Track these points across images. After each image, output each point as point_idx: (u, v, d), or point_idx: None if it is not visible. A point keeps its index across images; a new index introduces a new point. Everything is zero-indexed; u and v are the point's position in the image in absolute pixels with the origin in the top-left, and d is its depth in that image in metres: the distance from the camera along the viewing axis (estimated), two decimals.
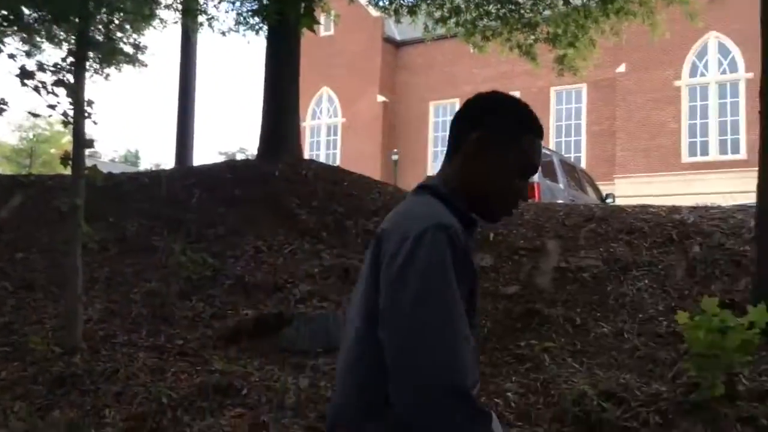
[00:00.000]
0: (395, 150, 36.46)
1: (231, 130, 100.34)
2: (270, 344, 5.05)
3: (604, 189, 15.72)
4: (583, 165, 32.96)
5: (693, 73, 33.81)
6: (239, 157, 37.49)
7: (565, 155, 22.60)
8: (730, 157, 29.75)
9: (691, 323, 3.87)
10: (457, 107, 1.64)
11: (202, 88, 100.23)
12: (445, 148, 1.69)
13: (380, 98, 38.63)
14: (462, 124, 1.63)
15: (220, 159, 21.12)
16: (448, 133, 1.70)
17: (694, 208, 6.57)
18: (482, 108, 1.63)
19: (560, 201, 9.50)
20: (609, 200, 12.07)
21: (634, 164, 33.40)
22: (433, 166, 36.69)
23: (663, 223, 6.10)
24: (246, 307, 5.58)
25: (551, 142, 35.02)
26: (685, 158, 31.97)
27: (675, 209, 6.55)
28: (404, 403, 1.35)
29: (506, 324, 4.99)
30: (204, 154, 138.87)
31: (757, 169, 4.91)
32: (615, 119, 34.55)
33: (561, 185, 11.45)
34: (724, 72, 33.44)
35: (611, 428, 3.69)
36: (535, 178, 10.39)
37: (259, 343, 5.09)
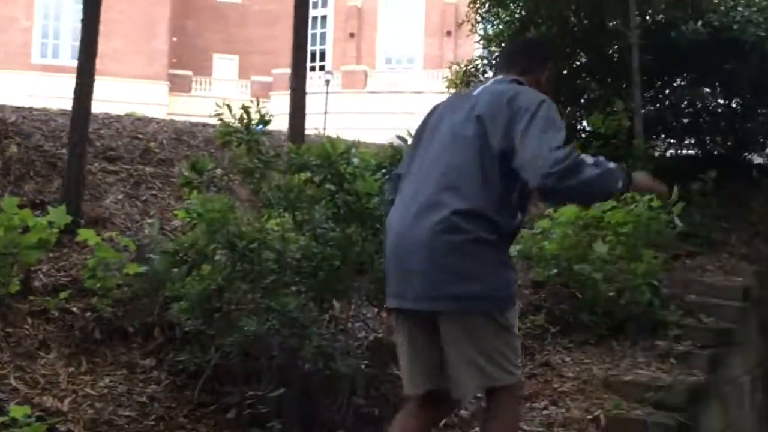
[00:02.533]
0: None
1: None
2: None
3: None
4: None
5: None
6: None
7: None
8: None
9: None
10: None
11: None
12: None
13: None
14: (535, 57, 2.76)
15: None
16: (513, 53, 2.88)
17: (18, 109, 6.39)
18: (547, 52, 2.98)
19: None
20: None
21: None
22: None
23: None
24: None
25: None
26: (36, 59, 30.93)
27: None
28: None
29: None
30: None
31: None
32: None
33: None
34: None
35: None
36: None
37: None
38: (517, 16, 8.08)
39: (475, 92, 2.57)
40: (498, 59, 3.23)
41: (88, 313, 3.88)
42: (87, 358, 3.65)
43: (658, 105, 7.80)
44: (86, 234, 4.05)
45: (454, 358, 2.36)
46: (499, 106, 2.38)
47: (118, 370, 3.64)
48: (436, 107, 2.73)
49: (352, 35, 36.87)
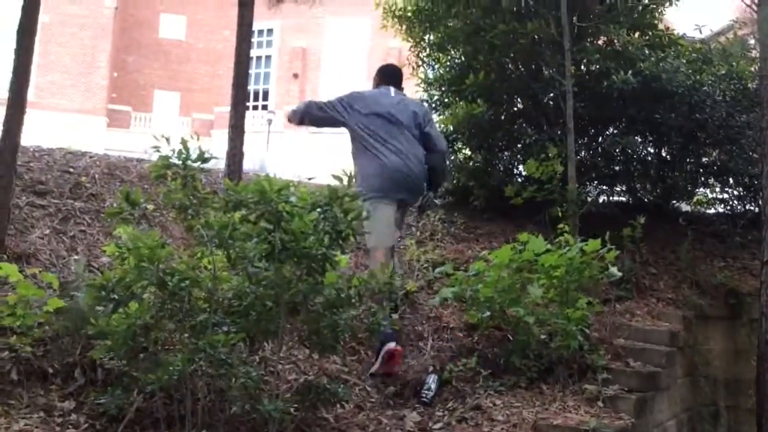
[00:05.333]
0: None
1: None
2: None
3: None
4: None
5: None
6: None
7: None
8: None
9: None
10: None
11: None
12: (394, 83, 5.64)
13: None
14: (401, 78, 5.78)
15: None
16: (399, 76, 5.77)
17: None
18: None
19: None
20: None
21: None
22: None
23: None
24: None
25: None
26: None
27: None
28: (443, 148, 5.55)
29: None
30: None
31: None
32: None
33: None
34: None
35: None
36: None
37: None
38: (456, 61, 8.24)
39: (398, 98, 5.48)
40: (387, 76, 5.70)
41: (6, 353, 3.71)
42: (1, 400, 3.48)
43: (591, 152, 8.01)
44: (8, 270, 3.90)
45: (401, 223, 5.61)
46: (423, 112, 5.56)
47: (35, 413, 3.47)
48: (377, 96, 5.50)
49: (295, 75, 37.04)
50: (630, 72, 7.11)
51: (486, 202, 7.63)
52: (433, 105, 8.29)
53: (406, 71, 8.71)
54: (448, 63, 8.31)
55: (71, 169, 6.19)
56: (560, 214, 6.28)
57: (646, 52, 7.45)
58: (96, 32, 34.01)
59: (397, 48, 31.88)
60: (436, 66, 8.53)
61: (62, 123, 29.39)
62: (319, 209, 3.87)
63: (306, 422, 3.84)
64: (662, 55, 7.45)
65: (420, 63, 8.56)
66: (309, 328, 3.91)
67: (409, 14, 8.20)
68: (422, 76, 8.55)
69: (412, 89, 8.87)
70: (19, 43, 4.97)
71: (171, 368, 3.33)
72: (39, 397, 3.59)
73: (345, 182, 3.88)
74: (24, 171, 5.74)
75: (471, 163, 8.15)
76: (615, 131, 8.01)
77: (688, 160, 8.36)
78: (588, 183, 8.03)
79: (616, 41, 7.62)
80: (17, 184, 5.21)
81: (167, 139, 3.90)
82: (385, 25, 8.51)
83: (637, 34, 7.75)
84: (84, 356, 3.76)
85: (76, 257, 4.81)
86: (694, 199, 8.83)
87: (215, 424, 3.47)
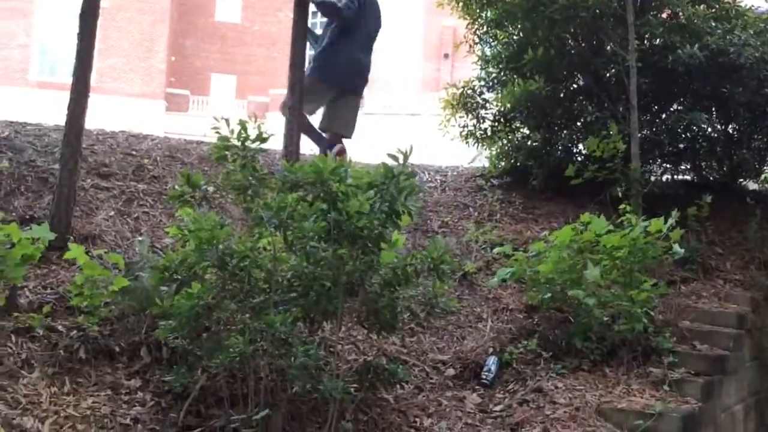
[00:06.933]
0: None
1: None
2: None
3: None
4: None
5: None
6: None
7: None
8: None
9: None
10: None
11: None
12: None
13: None
14: None
15: None
16: None
17: (11, 123, 6.35)
18: None
19: None
20: None
21: None
22: None
23: None
24: None
25: None
26: (34, 75, 30.94)
27: None
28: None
29: None
30: None
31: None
32: None
33: None
34: None
35: None
36: None
37: None
38: (515, 37, 8.09)
39: None
40: None
41: (74, 332, 3.80)
42: (70, 378, 3.57)
43: (654, 129, 7.78)
44: (74, 251, 3.98)
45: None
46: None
47: (102, 391, 3.56)
48: None
49: None
50: (696, 46, 6.85)
51: (545, 181, 7.49)
52: (490, 83, 8.16)
53: (463, 49, 8.61)
54: (506, 40, 8.15)
55: (134, 152, 6.30)
56: (622, 193, 6.13)
57: (713, 24, 7.18)
58: (154, 17, 34.51)
59: (451, 26, 31.53)
60: (494, 43, 8.38)
61: (123, 107, 30.01)
62: (375, 188, 3.84)
63: (366, 403, 3.84)
64: (729, 27, 7.17)
65: (477, 40, 8.42)
66: (367, 308, 3.90)
67: None
68: (479, 53, 8.41)
69: (470, 67, 8.76)
70: (82, 27, 5.05)
71: (233, 350, 3.37)
72: (106, 375, 3.67)
73: (401, 160, 3.83)
74: (88, 154, 5.86)
75: (529, 142, 8.01)
76: (679, 107, 7.76)
77: (756, 136, 8.06)
78: (651, 161, 7.81)
79: (680, 14, 7.36)
80: (82, 167, 5.32)
81: (226, 120, 3.93)
82: (441, 2, 8.39)
83: (702, 7, 7.47)
84: (149, 335, 3.83)
85: (140, 238, 4.90)
86: (762, 177, 8.52)
87: (278, 403, 3.50)
